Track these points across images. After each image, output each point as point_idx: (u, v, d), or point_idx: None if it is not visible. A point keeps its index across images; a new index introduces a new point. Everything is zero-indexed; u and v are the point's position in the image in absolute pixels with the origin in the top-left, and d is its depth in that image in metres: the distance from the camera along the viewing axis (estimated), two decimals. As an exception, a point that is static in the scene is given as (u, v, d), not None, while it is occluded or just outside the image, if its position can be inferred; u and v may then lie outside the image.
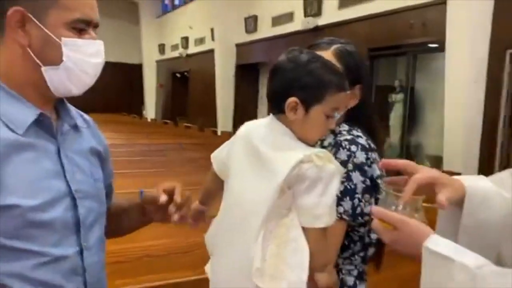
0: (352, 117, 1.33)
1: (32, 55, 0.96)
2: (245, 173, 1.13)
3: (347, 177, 1.20)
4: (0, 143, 0.91)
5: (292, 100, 1.08)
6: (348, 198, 1.20)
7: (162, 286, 2.08)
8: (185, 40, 14.40)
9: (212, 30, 12.04)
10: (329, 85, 1.09)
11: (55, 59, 0.97)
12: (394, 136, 7.51)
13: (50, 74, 0.98)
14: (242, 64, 11.29)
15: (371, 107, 1.38)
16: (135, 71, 17.73)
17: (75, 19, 0.97)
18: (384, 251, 1.34)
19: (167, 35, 16.16)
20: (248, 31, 10.93)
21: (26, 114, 0.97)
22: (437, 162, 6.25)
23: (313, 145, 1.13)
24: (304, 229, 1.06)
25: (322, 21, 8.22)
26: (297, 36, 8.49)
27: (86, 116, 1.19)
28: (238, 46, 11.45)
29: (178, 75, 15.75)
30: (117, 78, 17.65)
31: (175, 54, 15.12)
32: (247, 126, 1.19)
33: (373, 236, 1.27)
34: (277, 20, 9.77)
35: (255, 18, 10.60)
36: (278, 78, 1.12)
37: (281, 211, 1.07)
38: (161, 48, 16.65)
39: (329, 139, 1.30)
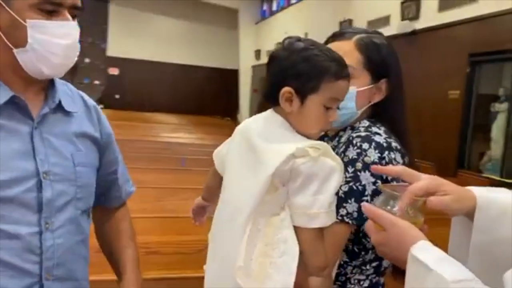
0: (377, 114, 1.21)
1: (4, 38, 0.98)
2: (237, 168, 1.05)
3: (354, 177, 1.07)
4: None
5: (285, 90, 0.99)
6: (353, 200, 1.06)
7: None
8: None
9: (306, 34, 11.99)
10: (325, 72, 0.98)
11: (21, 41, 0.98)
12: (496, 149, 6.85)
13: (22, 56, 0.99)
14: (334, 69, 11.10)
15: (398, 105, 1.23)
16: (232, 76, 18.23)
17: (41, 0, 0.96)
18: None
19: (263, 41, 16.41)
20: (342, 35, 10.72)
21: None
22: (545, 180, 5.61)
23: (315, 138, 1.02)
24: (297, 229, 0.96)
25: (419, 24, 7.77)
26: (393, 40, 8.05)
27: (89, 101, 1.20)
28: (331, 51, 11.28)
29: (271, 80, 15.92)
30: (214, 83, 18.38)
31: (270, 59, 15.28)
32: (246, 121, 1.11)
33: None
34: (372, 24, 9.43)
35: (349, 22, 10.37)
36: (272, 68, 1.03)
37: (273, 209, 0.98)
38: (257, 53, 16.96)
39: (346, 135, 1.18)
